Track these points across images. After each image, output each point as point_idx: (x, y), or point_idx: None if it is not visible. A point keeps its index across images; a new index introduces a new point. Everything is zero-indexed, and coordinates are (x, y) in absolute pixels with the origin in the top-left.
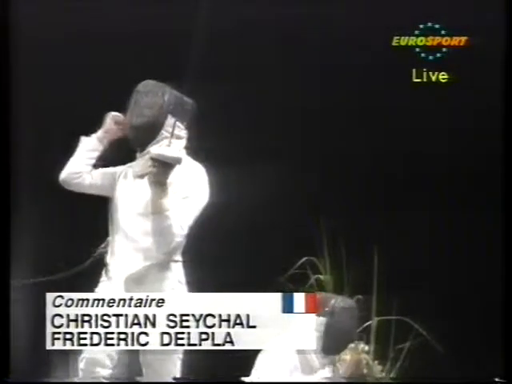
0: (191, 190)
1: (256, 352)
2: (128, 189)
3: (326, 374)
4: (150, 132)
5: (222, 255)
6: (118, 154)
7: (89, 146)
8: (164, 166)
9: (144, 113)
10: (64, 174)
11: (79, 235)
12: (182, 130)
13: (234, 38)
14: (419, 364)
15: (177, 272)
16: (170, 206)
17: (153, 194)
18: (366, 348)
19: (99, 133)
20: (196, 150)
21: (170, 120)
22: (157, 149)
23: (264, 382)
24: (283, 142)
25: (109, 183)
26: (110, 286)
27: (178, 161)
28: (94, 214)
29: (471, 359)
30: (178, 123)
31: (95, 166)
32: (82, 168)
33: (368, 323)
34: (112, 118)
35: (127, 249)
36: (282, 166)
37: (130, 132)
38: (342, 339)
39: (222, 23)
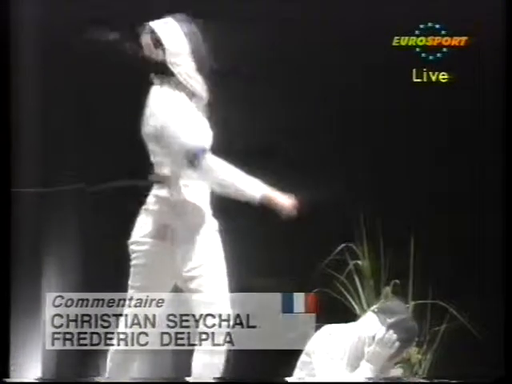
0: None
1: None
2: None
3: (363, 370)
4: None
5: (261, 241)
6: None
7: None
8: None
9: None
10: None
11: None
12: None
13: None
14: (455, 346)
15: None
16: None
17: None
18: None
19: None
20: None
21: None
22: None
23: (304, 381)
24: (320, 133)
25: None
26: None
27: None
28: None
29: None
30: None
31: None
32: None
33: None
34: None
35: None
36: (322, 156)
37: None
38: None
39: None
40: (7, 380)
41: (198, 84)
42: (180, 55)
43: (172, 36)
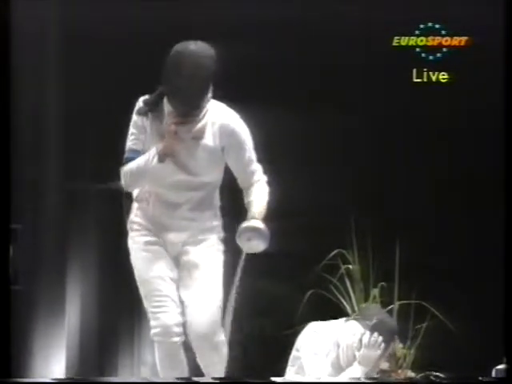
0: None
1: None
2: None
3: (356, 371)
4: None
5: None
6: None
7: None
8: None
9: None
10: None
11: None
12: None
13: None
14: (435, 341)
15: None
16: None
17: None
18: None
19: None
20: None
21: None
22: None
23: (291, 381)
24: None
25: None
26: None
27: None
28: None
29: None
30: None
31: None
32: None
33: (390, 307)
34: None
35: None
36: (313, 169)
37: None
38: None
39: None
40: (8, 380)
41: None
42: None
43: None
